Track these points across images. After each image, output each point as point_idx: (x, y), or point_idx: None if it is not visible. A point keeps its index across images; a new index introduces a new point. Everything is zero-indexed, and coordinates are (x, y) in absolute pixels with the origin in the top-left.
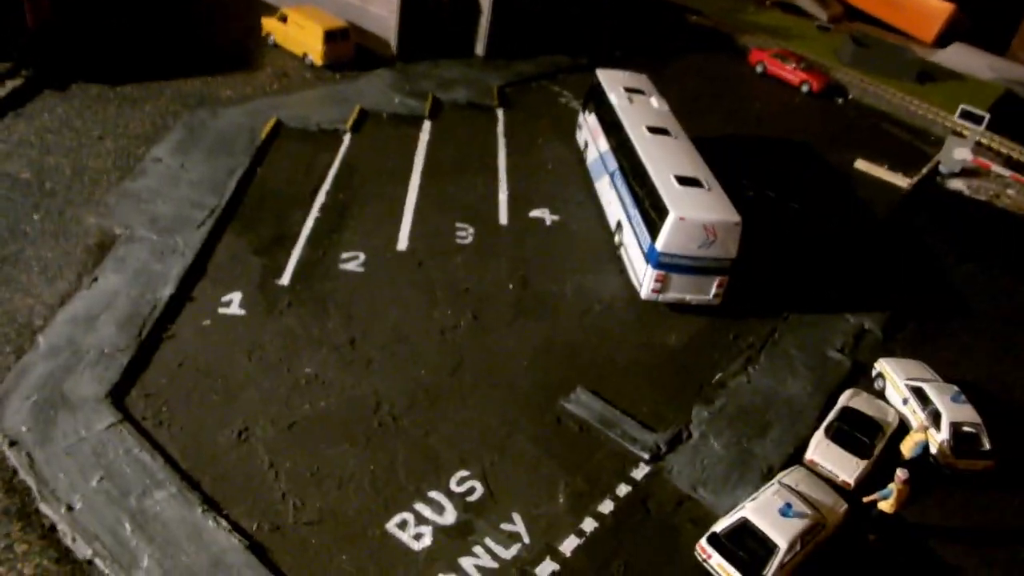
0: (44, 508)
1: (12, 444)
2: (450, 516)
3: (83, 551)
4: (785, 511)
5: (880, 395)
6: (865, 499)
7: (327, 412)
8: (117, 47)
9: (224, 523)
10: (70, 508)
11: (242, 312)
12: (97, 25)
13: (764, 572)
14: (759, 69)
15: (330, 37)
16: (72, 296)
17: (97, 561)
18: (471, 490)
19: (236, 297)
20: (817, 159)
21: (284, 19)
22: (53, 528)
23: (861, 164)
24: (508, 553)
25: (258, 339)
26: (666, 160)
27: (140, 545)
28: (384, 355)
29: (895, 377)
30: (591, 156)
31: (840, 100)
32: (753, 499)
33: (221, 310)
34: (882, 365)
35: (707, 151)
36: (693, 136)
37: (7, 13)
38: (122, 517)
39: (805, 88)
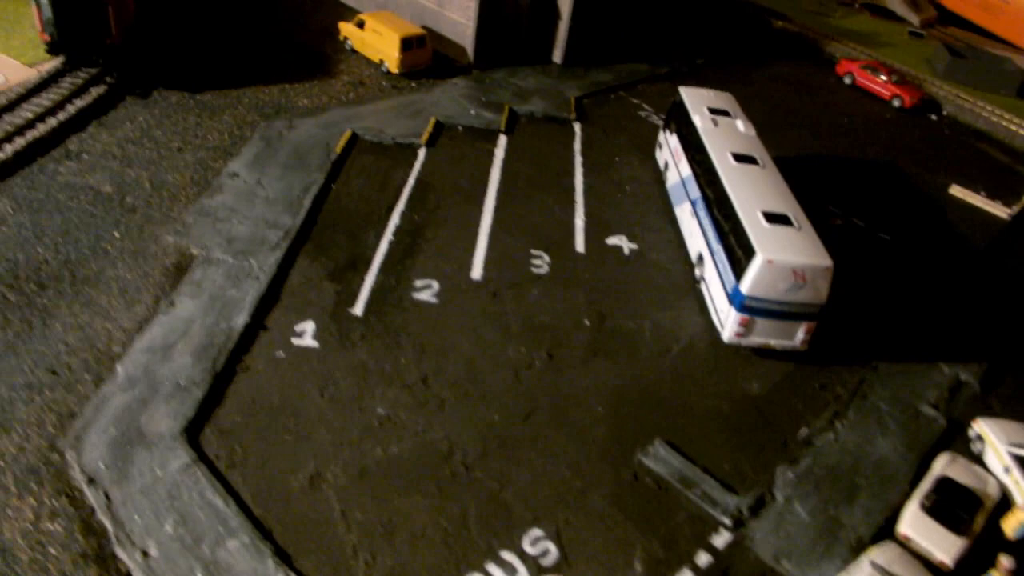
0: (120, 553)
1: (91, 482)
2: None
3: None
4: None
5: (978, 459)
6: None
7: (399, 458)
8: (198, 53)
9: None
10: (145, 554)
11: (315, 344)
12: (179, 32)
13: None
14: (847, 80)
15: (407, 45)
16: (149, 322)
17: None
18: (545, 552)
19: (309, 328)
20: (908, 183)
21: (361, 25)
22: (129, 575)
23: (956, 190)
24: None
25: (331, 374)
26: (753, 193)
27: None
28: (457, 395)
29: (996, 442)
30: (671, 179)
31: (933, 117)
32: None
33: (294, 340)
34: (981, 427)
35: (792, 171)
36: (777, 155)
37: (91, 21)
38: (195, 567)
39: (896, 103)
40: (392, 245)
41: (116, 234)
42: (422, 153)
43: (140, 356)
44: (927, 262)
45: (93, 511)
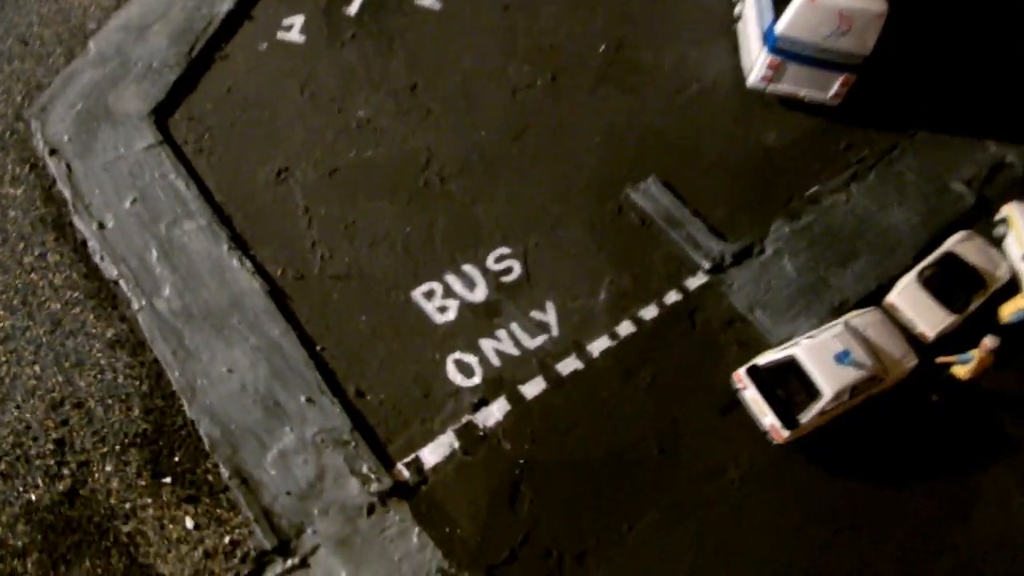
0: (77, 222)
1: (53, 152)
2: (480, 294)
3: (110, 271)
4: (842, 358)
5: (997, 244)
6: (939, 359)
7: (373, 162)
8: None
9: (248, 264)
10: (102, 226)
11: (302, 39)
12: None
13: (799, 417)
14: None
15: None
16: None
17: (122, 283)
18: (508, 270)
19: (298, 21)
20: None
21: None
22: (84, 244)
23: None
24: (532, 342)
25: (314, 72)
26: None
27: (164, 274)
28: (445, 108)
29: (1021, 226)
30: None
31: None
32: (811, 336)
33: (280, 34)
34: (1011, 209)
35: None
36: None
37: None
38: (150, 243)
39: None
40: None
41: None
42: None
43: (114, 34)
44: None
45: (54, 181)
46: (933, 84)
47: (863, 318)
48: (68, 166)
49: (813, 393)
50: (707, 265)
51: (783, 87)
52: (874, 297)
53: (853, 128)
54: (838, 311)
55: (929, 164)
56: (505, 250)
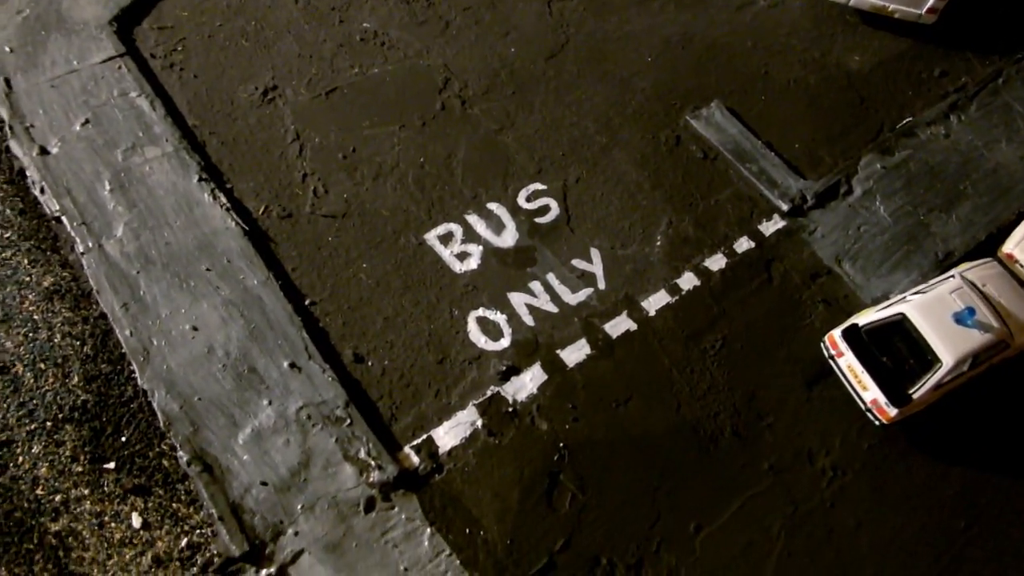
0: (15, 147)
1: None
2: (509, 238)
3: (51, 205)
4: (964, 318)
5: None
6: None
7: (380, 81)
8: None
9: (223, 199)
10: (44, 151)
11: None
12: None
13: (912, 391)
14: None
15: None
16: None
17: (65, 220)
18: (544, 209)
19: None
20: None
21: None
22: (22, 173)
23: None
24: (574, 297)
25: None
26: None
27: (118, 210)
28: (468, 19)
29: None
30: None
31: None
32: (919, 292)
33: None
34: None
35: None
36: None
37: None
38: (103, 173)
39: None
40: None
41: None
42: None
43: None
44: None
45: None
46: None
47: (979, 271)
48: (7, 82)
49: (928, 361)
50: (785, 207)
51: (869, 1)
52: (984, 248)
53: (949, 51)
54: (943, 264)
55: None
56: (540, 186)
